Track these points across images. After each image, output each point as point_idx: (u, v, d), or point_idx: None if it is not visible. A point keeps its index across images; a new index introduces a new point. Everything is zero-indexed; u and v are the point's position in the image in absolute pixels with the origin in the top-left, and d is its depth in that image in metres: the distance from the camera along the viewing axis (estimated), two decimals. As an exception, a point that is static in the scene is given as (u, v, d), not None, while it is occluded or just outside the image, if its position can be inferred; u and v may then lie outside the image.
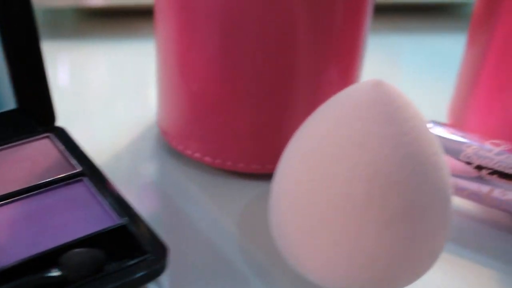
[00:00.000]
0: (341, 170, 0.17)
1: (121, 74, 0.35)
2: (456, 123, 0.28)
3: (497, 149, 0.23)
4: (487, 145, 0.23)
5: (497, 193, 0.23)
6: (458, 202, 0.25)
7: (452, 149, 0.24)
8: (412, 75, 0.37)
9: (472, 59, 0.27)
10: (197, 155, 0.26)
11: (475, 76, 0.27)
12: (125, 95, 0.33)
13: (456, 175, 0.23)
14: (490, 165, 0.23)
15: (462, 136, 0.24)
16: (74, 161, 0.24)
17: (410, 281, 0.18)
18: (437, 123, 0.25)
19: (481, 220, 0.25)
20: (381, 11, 0.45)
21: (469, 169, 0.23)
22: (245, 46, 0.23)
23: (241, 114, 0.24)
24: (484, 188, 0.23)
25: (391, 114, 0.17)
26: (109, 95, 0.33)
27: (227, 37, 0.23)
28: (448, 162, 0.23)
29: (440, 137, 0.24)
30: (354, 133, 0.17)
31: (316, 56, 0.24)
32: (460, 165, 0.23)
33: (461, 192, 0.24)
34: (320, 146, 0.17)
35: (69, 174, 0.23)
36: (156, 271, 0.19)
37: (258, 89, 0.24)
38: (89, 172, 0.23)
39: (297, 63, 0.24)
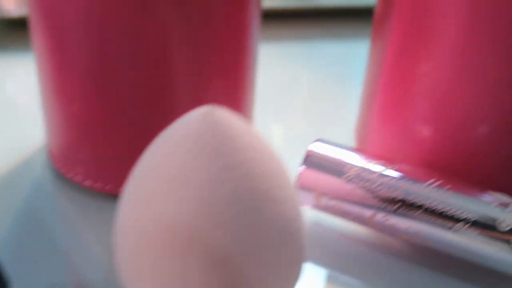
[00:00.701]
0: (166, 208, 0.16)
1: (31, 89, 0.34)
2: (360, 142, 0.27)
3: (380, 171, 0.22)
4: (372, 166, 0.22)
5: (380, 217, 0.22)
6: (346, 224, 0.24)
7: (335, 171, 0.22)
8: (335, 86, 0.36)
9: (371, 71, 0.26)
10: (78, 177, 0.25)
11: (373, 90, 0.26)
12: (28, 112, 0.32)
13: (340, 198, 0.22)
14: (372, 187, 0.22)
15: (347, 156, 0.23)
16: None
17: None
18: (325, 142, 0.24)
19: (371, 245, 0.23)
20: (304, 16, 0.44)
21: (352, 192, 0.22)
22: (116, 66, 0.22)
23: (117, 136, 0.23)
24: (366, 212, 0.22)
25: (219, 146, 0.16)
26: (12, 112, 0.32)
27: (96, 57, 0.22)
28: (331, 184, 0.22)
29: (323, 157, 0.23)
30: (180, 167, 0.16)
31: (197, 73, 0.23)
32: (343, 188, 0.22)
33: (346, 215, 0.23)
34: (148, 180, 0.16)
35: None
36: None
37: (134, 110, 0.23)
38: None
39: (175, 82, 0.22)
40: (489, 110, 0.22)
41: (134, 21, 0.21)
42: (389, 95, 0.25)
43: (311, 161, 0.23)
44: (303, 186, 0.23)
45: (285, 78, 0.37)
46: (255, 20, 0.24)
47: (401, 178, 0.22)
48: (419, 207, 0.21)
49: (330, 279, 0.22)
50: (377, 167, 0.22)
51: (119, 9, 0.21)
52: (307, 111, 0.33)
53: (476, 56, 0.21)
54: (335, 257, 0.23)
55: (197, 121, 0.16)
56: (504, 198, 0.21)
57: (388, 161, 0.22)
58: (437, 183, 0.21)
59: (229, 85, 0.24)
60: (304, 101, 0.35)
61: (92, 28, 0.21)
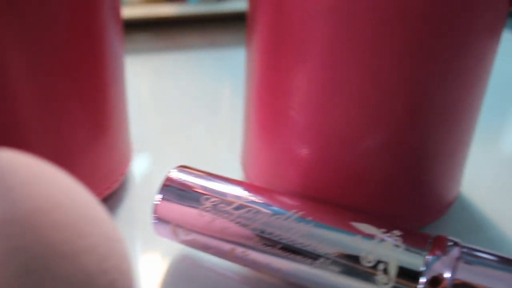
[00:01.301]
0: None
1: None
2: (244, 167, 0.25)
3: (240, 202, 0.20)
4: (231, 196, 0.20)
5: (239, 252, 0.20)
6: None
7: (191, 201, 0.20)
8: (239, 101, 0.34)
9: (247, 87, 0.24)
10: None
11: (249, 108, 0.24)
12: None
13: (196, 231, 0.20)
14: (229, 220, 0.20)
15: (207, 185, 0.21)
16: None
17: None
18: (187, 169, 0.22)
19: (245, 280, 0.22)
20: (209, 22, 0.42)
21: (209, 225, 0.20)
22: None
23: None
24: (225, 246, 0.20)
25: (-4, 198, 0.14)
26: None
27: None
28: (188, 216, 0.20)
29: (181, 186, 0.21)
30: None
31: (45, 100, 0.21)
32: (199, 220, 0.20)
33: (207, 249, 0.21)
34: None
35: None
36: None
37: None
38: None
39: (19, 113, 0.20)
40: (361, 129, 0.20)
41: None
42: (262, 113, 0.23)
43: (168, 190, 0.21)
44: (161, 218, 0.21)
45: (184, 91, 0.35)
46: (113, 33, 0.22)
47: (260, 210, 0.20)
48: (278, 241, 0.19)
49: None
50: (236, 198, 0.20)
51: None
52: (200, 131, 0.31)
53: (342, 71, 0.20)
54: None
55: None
56: (370, 228, 0.19)
57: (254, 190, 0.21)
58: (300, 214, 0.20)
59: (88, 108, 0.22)
60: (200, 119, 0.33)
61: None
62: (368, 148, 0.21)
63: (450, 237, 0.19)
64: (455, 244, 0.19)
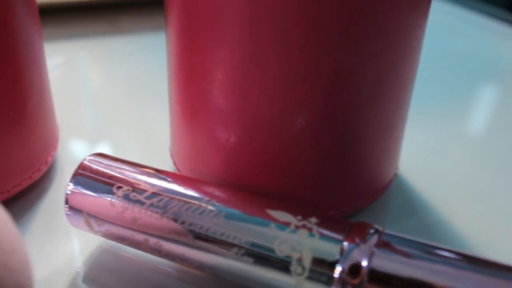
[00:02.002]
0: None
1: None
2: (173, 156, 0.24)
3: (149, 191, 0.19)
4: (144, 185, 0.19)
5: (153, 243, 0.19)
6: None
7: (103, 191, 0.20)
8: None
9: (168, 74, 0.23)
10: None
11: (169, 95, 0.23)
12: None
13: (109, 221, 0.19)
14: (141, 209, 0.19)
15: (122, 174, 0.20)
16: None
17: None
18: (104, 156, 0.21)
19: (171, 271, 0.21)
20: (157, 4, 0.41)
21: (120, 215, 0.19)
22: None
23: None
24: (139, 237, 0.19)
25: None
26: None
27: None
28: (100, 206, 0.19)
29: (95, 174, 0.20)
30: None
31: None
32: (111, 210, 0.19)
33: (122, 240, 0.20)
34: None
35: None
36: None
37: None
38: None
39: None
40: (281, 112, 0.20)
41: None
42: (182, 97, 0.22)
43: (81, 179, 0.20)
44: (73, 208, 0.20)
45: (130, 75, 0.34)
46: (23, 13, 0.21)
47: (173, 198, 0.19)
48: (191, 230, 0.18)
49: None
50: (150, 186, 0.19)
51: None
52: (143, 117, 0.30)
53: (256, 52, 0.19)
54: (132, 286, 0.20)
55: None
56: (286, 216, 0.18)
57: (171, 178, 0.20)
58: (213, 201, 0.19)
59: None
60: (145, 104, 0.32)
61: None
62: (290, 131, 0.20)
63: (371, 224, 0.19)
64: (376, 231, 0.18)
